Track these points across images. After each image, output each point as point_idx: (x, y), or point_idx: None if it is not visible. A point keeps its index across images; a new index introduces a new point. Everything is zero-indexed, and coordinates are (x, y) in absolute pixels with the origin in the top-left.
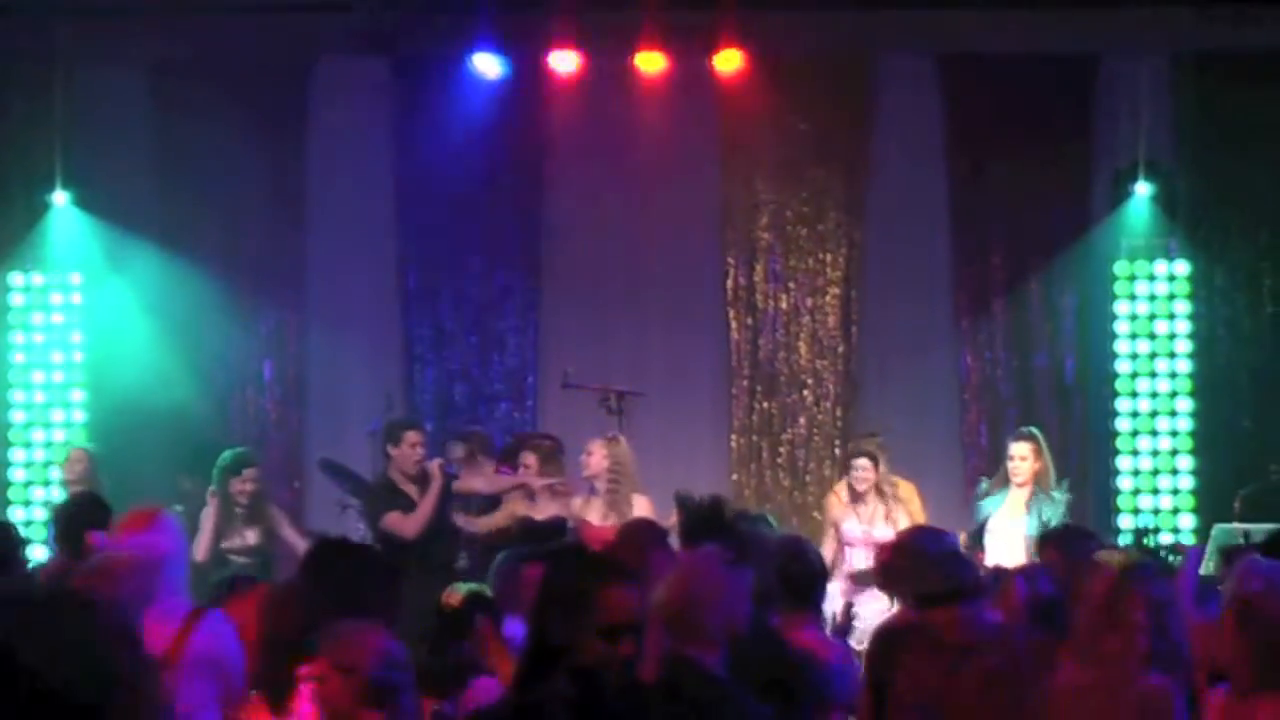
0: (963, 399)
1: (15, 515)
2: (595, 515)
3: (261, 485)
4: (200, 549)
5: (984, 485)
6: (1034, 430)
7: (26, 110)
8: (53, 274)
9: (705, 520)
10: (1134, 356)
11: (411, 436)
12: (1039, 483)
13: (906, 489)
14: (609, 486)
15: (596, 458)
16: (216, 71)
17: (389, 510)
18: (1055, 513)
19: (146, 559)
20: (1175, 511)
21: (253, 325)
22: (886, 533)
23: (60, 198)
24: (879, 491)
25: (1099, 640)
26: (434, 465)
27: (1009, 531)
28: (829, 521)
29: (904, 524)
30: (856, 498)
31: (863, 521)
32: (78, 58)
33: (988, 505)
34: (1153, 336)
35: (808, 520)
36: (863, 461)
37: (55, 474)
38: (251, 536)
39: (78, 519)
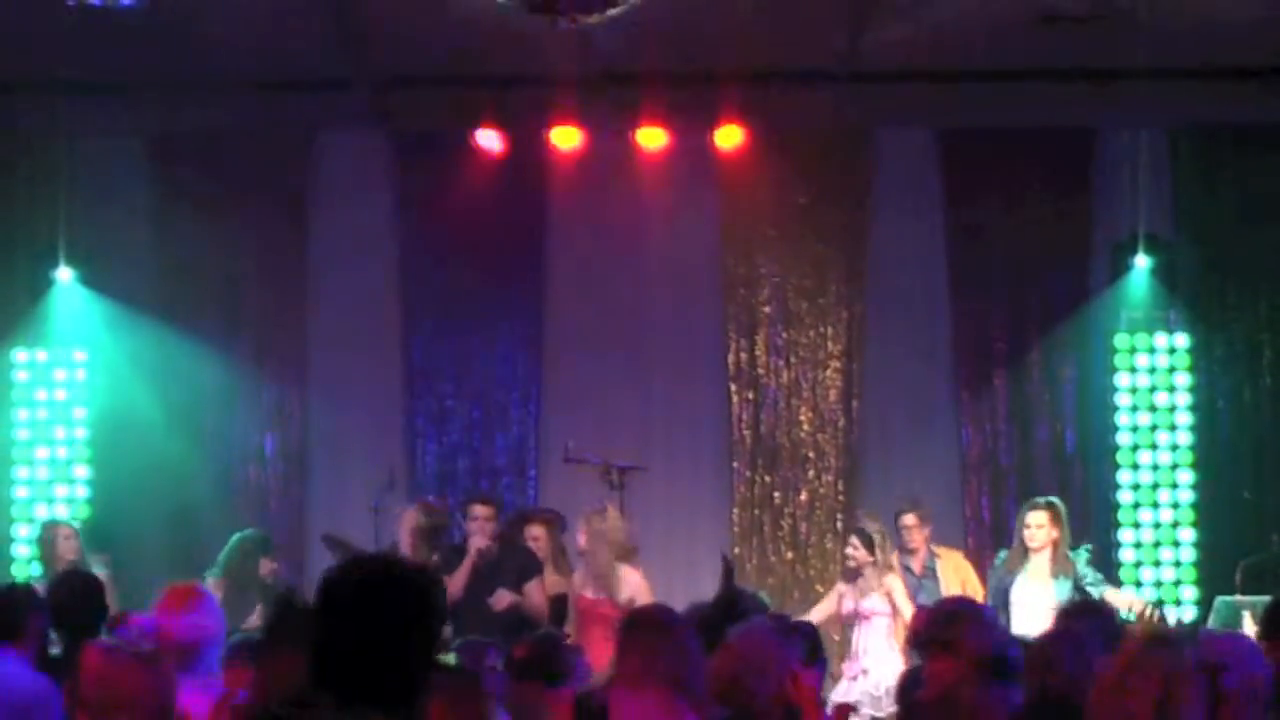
0: (964, 471)
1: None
2: (584, 588)
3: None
4: None
5: (1001, 558)
6: (1053, 500)
7: (30, 187)
8: (56, 350)
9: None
10: (1135, 429)
11: (475, 510)
12: (1059, 550)
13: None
14: (586, 559)
15: (580, 533)
16: (219, 148)
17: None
18: (1086, 572)
19: (190, 639)
20: (1177, 583)
21: (255, 400)
22: (877, 605)
23: (64, 274)
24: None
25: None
26: (473, 541)
27: (1036, 600)
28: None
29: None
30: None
31: (862, 594)
32: (81, 134)
33: (1008, 578)
34: (1153, 409)
35: (809, 593)
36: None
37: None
38: (258, 617)
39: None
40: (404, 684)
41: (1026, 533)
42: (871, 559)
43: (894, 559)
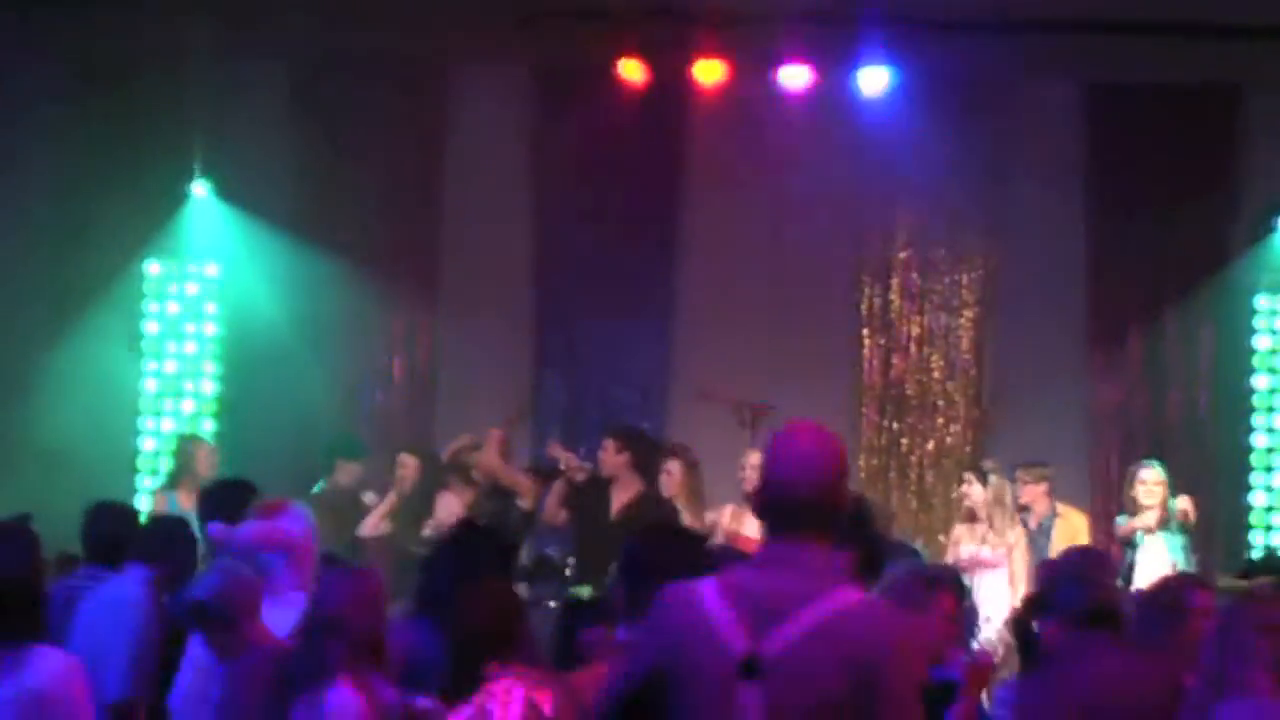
0: (1093, 429)
1: (141, 505)
2: (753, 527)
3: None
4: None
5: (1123, 519)
6: (1160, 462)
7: (167, 101)
8: (190, 264)
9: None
10: (1272, 391)
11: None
12: (1167, 506)
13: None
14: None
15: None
16: (358, 71)
17: None
18: (1183, 542)
19: (270, 544)
20: None
21: (384, 323)
22: (1000, 554)
23: (200, 188)
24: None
25: None
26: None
27: (1156, 557)
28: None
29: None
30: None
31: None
32: (220, 49)
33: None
34: None
35: (931, 542)
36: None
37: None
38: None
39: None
40: None
41: (1143, 489)
42: (985, 499)
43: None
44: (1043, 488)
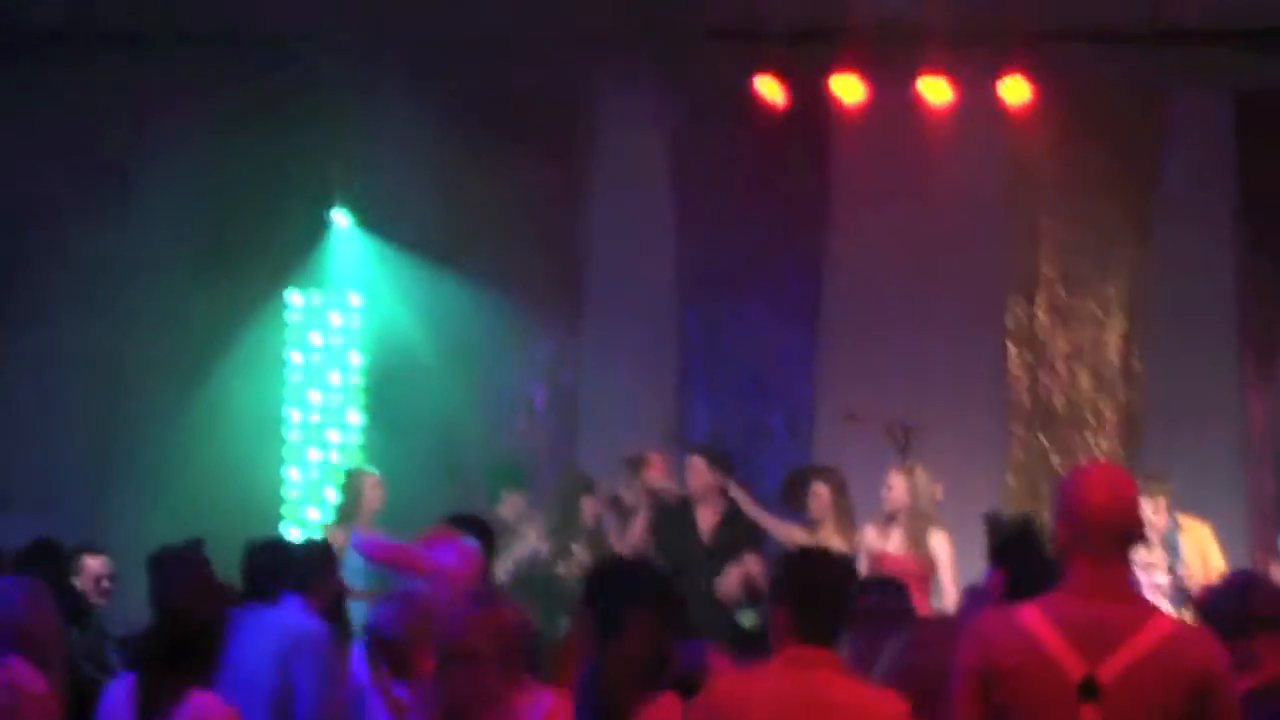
0: (1247, 442)
1: (290, 533)
2: (894, 547)
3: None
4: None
5: None
6: None
7: (309, 132)
8: (332, 293)
9: (1015, 539)
10: None
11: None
12: None
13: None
14: (910, 518)
15: (898, 490)
16: (496, 93)
17: None
18: None
19: (417, 569)
20: None
21: (527, 352)
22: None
23: (341, 217)
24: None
25: None
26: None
27: None
28: None
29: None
30: None
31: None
32: (360, 80)
33: None
34: None
35: None
36: None
37: (336, 495)
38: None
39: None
40: None
41: None
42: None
43: None
44: (1161, 500)
